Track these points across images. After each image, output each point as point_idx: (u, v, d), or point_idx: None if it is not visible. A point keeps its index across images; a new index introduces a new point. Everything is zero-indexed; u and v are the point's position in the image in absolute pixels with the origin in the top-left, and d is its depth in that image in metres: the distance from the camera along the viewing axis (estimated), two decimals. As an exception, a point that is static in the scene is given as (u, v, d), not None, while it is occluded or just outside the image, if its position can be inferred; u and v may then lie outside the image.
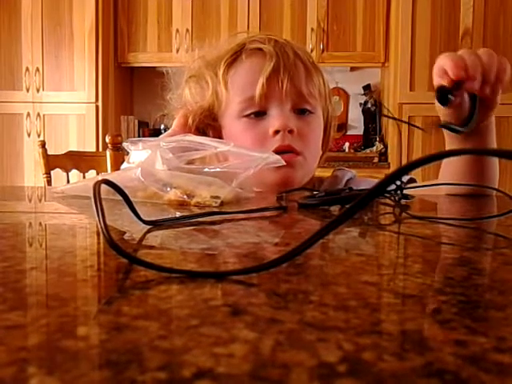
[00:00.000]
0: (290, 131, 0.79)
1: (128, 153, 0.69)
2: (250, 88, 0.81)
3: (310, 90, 0.83)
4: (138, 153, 0.65)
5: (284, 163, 0.66)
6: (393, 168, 2.85)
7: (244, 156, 0.62)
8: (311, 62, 0.86)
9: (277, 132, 0.79)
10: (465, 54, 0.68)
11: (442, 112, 0.75)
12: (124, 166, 0.71)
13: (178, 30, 3.12)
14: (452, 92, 0.67)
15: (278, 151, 0.79)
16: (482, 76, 0.67)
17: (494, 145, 0.79)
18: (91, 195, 0.33)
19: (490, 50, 0.70)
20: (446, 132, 0.77)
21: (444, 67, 0.68)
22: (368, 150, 3.17)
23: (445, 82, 0.68)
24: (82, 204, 0.58)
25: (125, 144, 0.69)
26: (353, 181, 0.90)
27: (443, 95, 0.67)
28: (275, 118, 0.80)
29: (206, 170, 0.61)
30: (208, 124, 0.86)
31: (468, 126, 0.69)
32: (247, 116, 0.82)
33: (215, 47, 0.88)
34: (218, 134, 0.86)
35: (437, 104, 0.71)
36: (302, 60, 0.84)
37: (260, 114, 0.81)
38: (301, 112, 0.83)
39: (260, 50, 0.82)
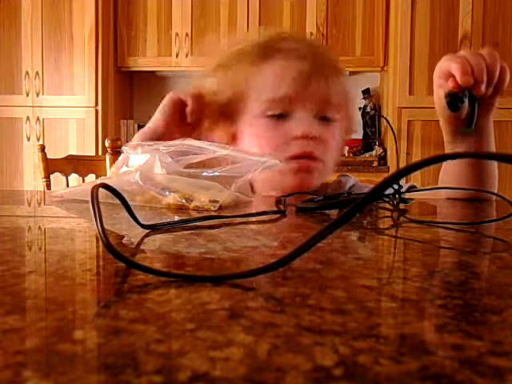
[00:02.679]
0: (313, 138, 0.78)
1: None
2: (278, 88, 0.79)
3: (336, 98, 0.81)
4: (137, 157, 0.66)
5: (280, 165, 0.65)
6: (392, 172, 2.85)
7: (243, 160, 0.62)
8: (339, 67, 0.84)
9: (299, 137, 0.78)
10: (469, 56, 0.67)
11: (444, 115, 0.75)
12: (123, 169, 0.71)
13: (177, 34, 3.12)
14: (462, 98, 0.66)
15: (298, 156, 0.78)
16: (487, 78, 0.67)
17: (493, 144, 0.80)
18: (89, 199, 0.33)
19: (492, 50, 0.70)
20: (444, 132, 0.78)
21: (450, 71, 0.68)
22: (367, 154, 3.18)
23: (451, 87, 0.67)
24: (80, 208, 0.58)
25: (124, 148, 0.69)
26: (356, 187, 0.90)
27: (452, 101, 0.67)
28: (299, 123, 0.78)
29: (205, 174, 0.61)
30: (220, 117, 0.84)
31: (472, 126, 0.69)
32: (269, 116, 0.80)
33: (245, 38, 0.86)
34: (227, 131, 0.84)
35: (441, 108, 0.71)
36: (333, 65, 0.82)
37: (283, 116, 0.79)
38: (324, 119, 0.81)
39: (294, 50, 0.81)
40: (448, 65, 0.69)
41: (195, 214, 0.53)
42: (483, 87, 0.67)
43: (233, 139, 0.84)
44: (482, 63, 0.67)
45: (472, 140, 0.76)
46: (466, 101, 0.68)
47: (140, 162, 0.64)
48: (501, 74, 0.69)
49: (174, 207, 0.57)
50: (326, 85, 0.80)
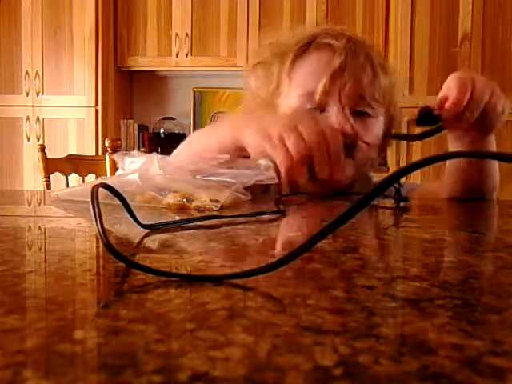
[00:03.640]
0: (345, 133, 0.76)
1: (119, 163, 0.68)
2: (312, 83, 0.79)
3: (373, 93, 0.80)
4: (133, 159, 0.66)
5: (277, 181, 0.64)
6: (392, 171, 2.85)
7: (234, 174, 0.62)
8: (382, 64, 0.83)
9: None
10: (467, 87, 0.70)
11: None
12: (119, 172, 0.70)
13: (177, 35, 3.12)
14: (432, 119, 0.71)
15: None
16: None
17: (493, 145, 0.81)
18: (89, 199, 0.33)
19: (490, 82, 0.72)
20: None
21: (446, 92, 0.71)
22: (367, 154, 3.17)
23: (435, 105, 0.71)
24: (80, 208, 0.58)
25: (116, 156, 0.68)
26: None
27: (423, 117, 0.72)
28: (332, 118, 0.77)
29: (198, 177, 0.61)
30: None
31: (421, 139, 0.75)
32: (307, 111, 0.79)
33: (287, 35, 0.87)
34: None
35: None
36: (372, 62, 0.81)
37: (320, 111, 0.79)
38: (360, 114, 0.80)
39: (328, 45, 0.80)
40: (449, 85, 0.72)
41: (196, 214, 0.52)
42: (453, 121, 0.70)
43: None
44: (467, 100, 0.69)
45: (472, 137, 0.77)
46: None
47: (137, 165, 0.64)
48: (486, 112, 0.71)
49: (175, 207, 0.57)
50: (361, 79, 0.79)
